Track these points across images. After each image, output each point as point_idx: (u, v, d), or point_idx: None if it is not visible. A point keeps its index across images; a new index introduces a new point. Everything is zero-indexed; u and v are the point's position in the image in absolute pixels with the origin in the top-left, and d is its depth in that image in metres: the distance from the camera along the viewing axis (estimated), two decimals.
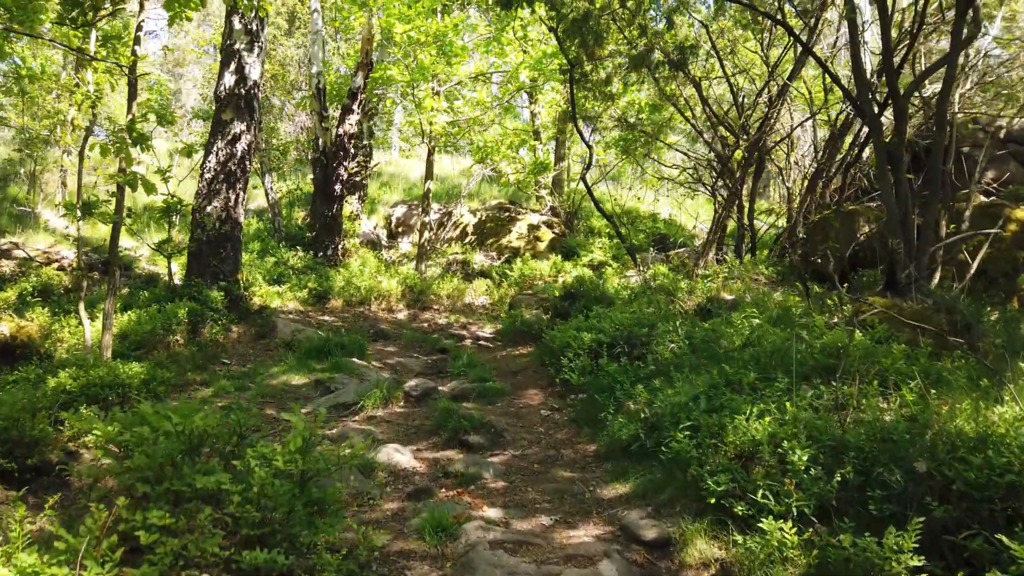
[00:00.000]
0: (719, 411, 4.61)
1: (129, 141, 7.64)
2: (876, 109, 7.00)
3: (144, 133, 7.80)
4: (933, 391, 4.55)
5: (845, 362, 4.90)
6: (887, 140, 6.86)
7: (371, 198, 20.58)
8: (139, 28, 8.63)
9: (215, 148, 10.91)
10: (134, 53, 8.50)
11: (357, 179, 16.25)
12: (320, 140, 13.73)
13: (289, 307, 12.39)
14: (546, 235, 17.80)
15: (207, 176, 10.89)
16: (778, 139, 11.30)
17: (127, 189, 7.76)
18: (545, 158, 17.46)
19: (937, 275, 7.21)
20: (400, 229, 19.30)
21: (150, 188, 7.49)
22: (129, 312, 9.78)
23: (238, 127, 10.96)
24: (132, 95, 8.73)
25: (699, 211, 23.55)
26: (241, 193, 11.10)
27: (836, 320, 6.33)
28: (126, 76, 8.64)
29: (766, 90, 10.56)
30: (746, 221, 11.00)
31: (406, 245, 18.70)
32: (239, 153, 10.97)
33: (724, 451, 4.20)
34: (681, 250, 18.07)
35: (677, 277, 9.22)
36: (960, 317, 5.85)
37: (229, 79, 10.94)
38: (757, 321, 6.41)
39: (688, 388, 5.19)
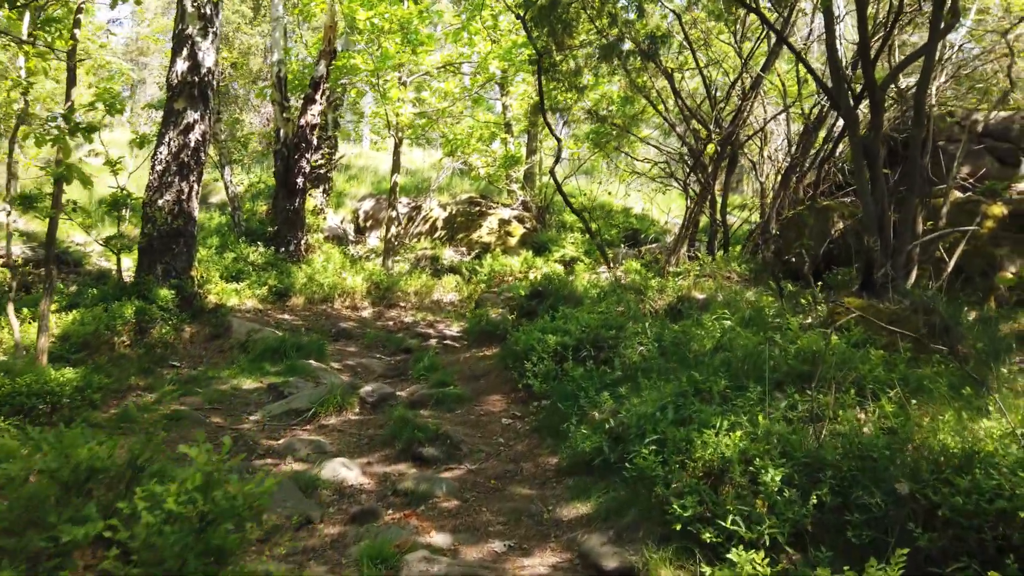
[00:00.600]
0: (687, 424, 4.30)
1: (67, 130, 7.14)
2: (852, 101, 6.73)
3: (91, 123, 7.29)
4: (913, 401, 4.27)
5: (821, 369, 4.62)
6: (863, 133, 6.59)
7: (338, 191, 20.07)
8: (79, 11, 8.11)
9: (167, 138, 10.38)
10: (73, 37, 7.99)
11: (321, 171, 15.74)
12: (281, 131, 13.22)
13: (247, 305, 11.90)
14: (517, 230, 17.45)
15: (158, 168, 10.36)
16: (751, 133, 11.04)
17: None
18: (516, 151, 17.09)
19: (914, 274, 6.98)
20: (368, 223, 18.82)
21: (86, 181, 6.99)
22: (74, 311, 9.24)
23: (191, 116, 10.44)
24: (71, 82, 8.23)
25: (671, 205, 23.37)
26: (195, 185, 10.58)
27: (810, 321, 6.06)
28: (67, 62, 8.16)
29: (739, 82, 10.27)
30: (719, 217, 10.74)
31: (374, 240, 18.24)
32: (192, 143, 10.45)
33: (692, 468, 3.88)
34: (653, 245, 17.84)
35: (648, 275, 8.91)
36: (939, 319, 5.60)
37: (181, 66, 10.41)
38: (729, 323, 6.12)
39: (655, 396, 4.88)
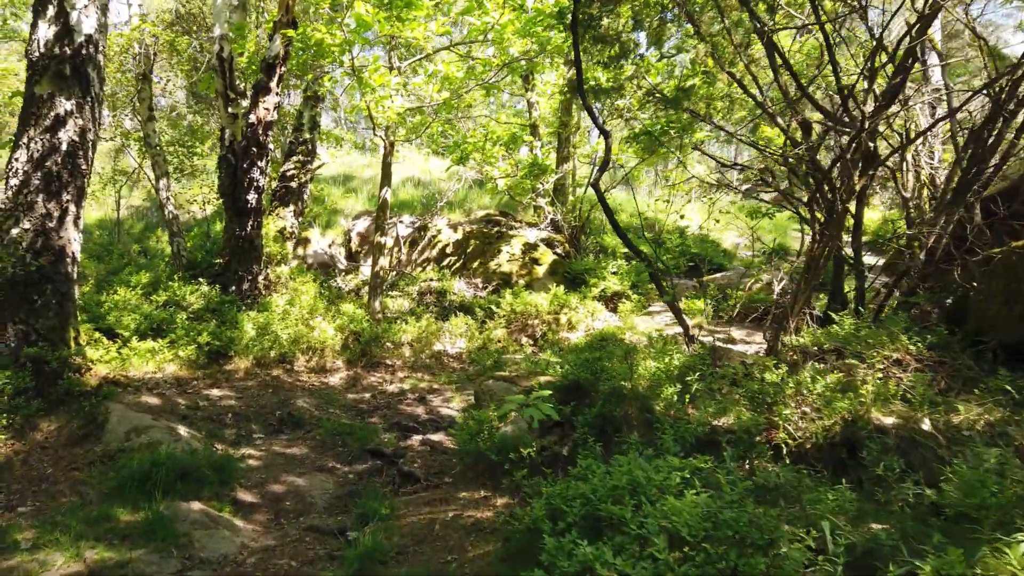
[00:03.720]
0: None
1: None
2: None
3: None
4: None
5: None
6: None
7: (331, 208, 16.74)
8: None
9: (25, 139, 7.06)
10: None
11: (292, 185, 12.35)
12: (227, 132, 9.85)
13: (166, 373, 8.50)
14: (545, 257, 13.87)
15: (13, 182, 7.04)
16: (914, 130, 7.23)
17: None
18: (545, 158, 13.55)
19: None
20: (363, 248, 15.40)
21: None
22: None
23: (62, 106, 7.11)
24: None
25: (734, 223, 19.51)
26: (70, 206, 7.24)
27: None
28: None
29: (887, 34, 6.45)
30: (849, 253, 7.05)
31: (368, 268, 14.80)
32: (65, 145, 7.12)
33: None
34: (719, 276, 14.12)
35: (765, 363, 5.23)
36: None
37: (46, 32, 7.09)
38: None
39: None
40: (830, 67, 7.15)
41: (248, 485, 5.92)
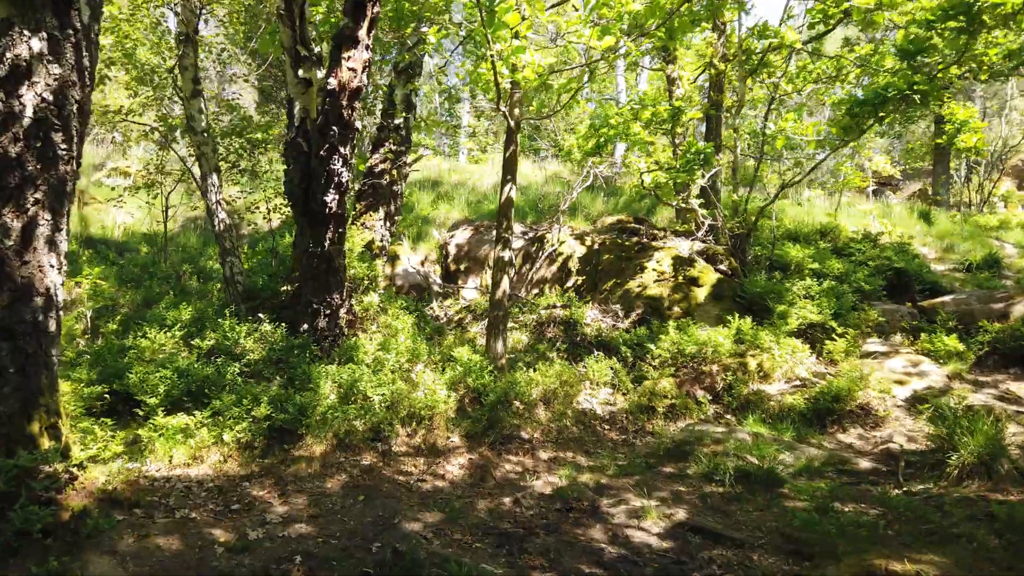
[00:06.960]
0: None
1: None
2: None
3: None
4: None
5: None
6: None
7: (421, 215, 13.76)
8: None
9: None
10: None
11: (382, 181, 9.35)
12: (297, 106, 6.91)
13: (203, 467, 5.54)
14: (706, 275, 10.49)
15: None
16: None
17: None
18: (707, 146, 10.21)
19: None
20: (462, 266, 12.32)
21: None
22: None
23: (24, 44, 4.23)
24: None
25: (915, 226, 15.60)
26: (42, 213, 4.35)
27: None
28: None
29: None
30: None
31: (471, 291, 11.72)
32: (30, 110, 4.25)
33: None
34: (948, 299, 10.40)
35: None
36: None
37: None
38: None
39: None
40: None
41: None
